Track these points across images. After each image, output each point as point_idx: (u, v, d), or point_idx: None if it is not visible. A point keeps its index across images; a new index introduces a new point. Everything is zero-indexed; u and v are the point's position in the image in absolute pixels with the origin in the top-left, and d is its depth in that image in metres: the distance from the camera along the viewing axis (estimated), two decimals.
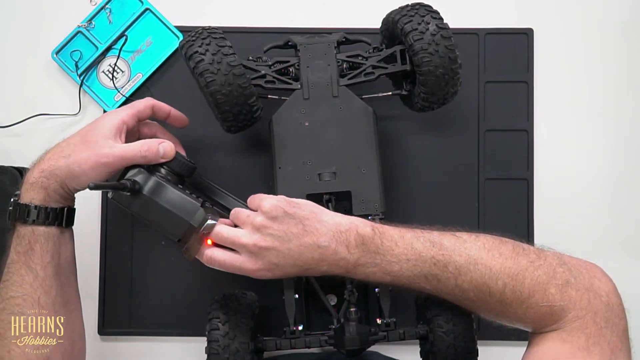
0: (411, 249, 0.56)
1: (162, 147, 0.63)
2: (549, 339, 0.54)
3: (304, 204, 0.58)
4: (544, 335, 0.55)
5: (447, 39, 0.64)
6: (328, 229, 0.57)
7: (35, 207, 0.62)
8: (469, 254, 0.56)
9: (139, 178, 0.62)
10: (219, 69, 0.62)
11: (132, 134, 0.68)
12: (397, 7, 0.68)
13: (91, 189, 0.55)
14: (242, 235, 0.58)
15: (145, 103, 0.68)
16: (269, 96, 0.69)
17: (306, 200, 0.60)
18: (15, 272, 0.61)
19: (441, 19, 0.65)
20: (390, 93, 0.71)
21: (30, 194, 0.62)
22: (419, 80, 0.65)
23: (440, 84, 0.65)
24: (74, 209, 0.66)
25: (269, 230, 0.57)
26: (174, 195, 0.62)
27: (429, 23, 0.64)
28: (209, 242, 0.61)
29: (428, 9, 0.66)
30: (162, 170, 0.64)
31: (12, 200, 0.63)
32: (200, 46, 0.63)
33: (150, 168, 0.63)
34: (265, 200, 0.58)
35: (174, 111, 0.71)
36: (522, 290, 0.54)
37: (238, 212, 0.60)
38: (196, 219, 0.61)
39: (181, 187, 0.64)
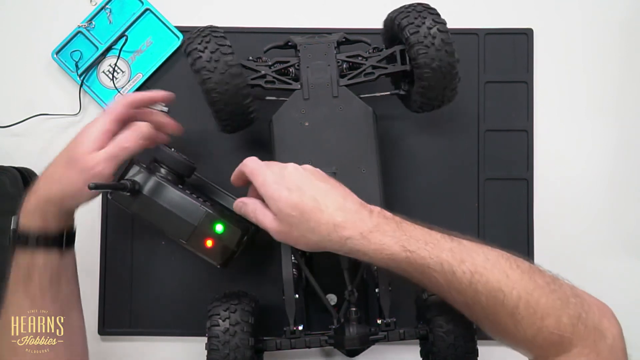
0: (430, 236, 0.55)
1: (140, 130, 0.63)
2: None
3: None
4: None
5: (444, 33, 0.64)
6: (353, 196, 0.58)
7: (34, 233, 0.61)
8: (487, 257, 0.54)
9: (138, 178, 0.62)
10: (216, 67, 0.62)
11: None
12: (398, 7, 0.68)
13: (91, 188, 0.55)
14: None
15: (121, 103, 0.65)
16: (267, 97, 0.69)
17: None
18: (12, 298, 0.61)
19: (438, 14, 0.65)
20: (388, 93, 0.71)
21: (28, 221, 0.61)
22: (416, 75, 0.65)
23: (438, 78, 0.65)
24: (74, 231, 0.66)
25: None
26: (174, 195, 0.62)
27: (425, 17, 0.64)
28: (209, 243, 0.61)
29: (425, 6, 0.66)
30: (162, 170, 0.64)
31: (11, 227, 0.63)
32: (200, 43, 0.63)
33: (151, 168, 0.63)
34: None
35: (164, 117, 0.70)
36: (536, 310, 0.52)
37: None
38: (196, 219, 0.61)
39: (181, 187, 0.64)
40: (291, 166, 0.58)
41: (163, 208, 0.61)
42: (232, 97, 0.63)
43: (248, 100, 0.65)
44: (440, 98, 0.67)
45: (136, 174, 0.62)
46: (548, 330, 0.52)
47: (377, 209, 0.57)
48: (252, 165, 0.60)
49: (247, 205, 0.60)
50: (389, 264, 0.55)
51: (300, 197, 0.55)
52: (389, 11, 0.69)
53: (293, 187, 0.56)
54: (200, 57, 0.63)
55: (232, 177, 0.63)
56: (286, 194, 0.56)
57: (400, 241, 0.54)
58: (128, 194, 0.61)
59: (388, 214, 0.57)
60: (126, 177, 0.62)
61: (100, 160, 0.60)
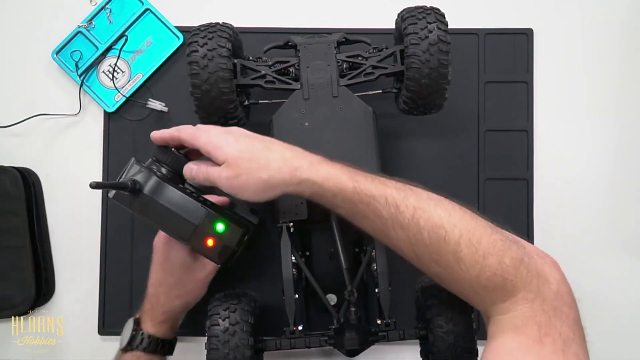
0: (376, 177, 0.57)
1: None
2: (504, 332, 0.52)
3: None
4: (499, 329, 0.53)
5: (443, 53, 0.63)
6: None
7: (149, 336, 0.67)
8: (430, 197, 0.56)
9: (139, 177, 0.62)
10: (207, 66, 0.62)
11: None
12: (413, 6, 0.67)
13: (92, 187, 0.55)
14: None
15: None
16: (260, 101, 0.70)
17: None
18: None
19: (446, 31, 0.64)
20: (380, 91, 0.71)
21: (150, 327, 0.67)
22: (404, 84, 0.65)
23: (423, 93, 0.64)
24: (176, 340, 0.71)
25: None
26: (174, 194, 0.62)
27: (431, 32, 0.63)
28: (210, 242, 0.61)
29: (438, 16, 0.64)
30: (163, 170, 0.64)
31: (132, 328, 0.68)
32: (202, 38, 0.63)
33: (151, 168, 0.63)
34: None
35: None
36: (478, 248, 0.52)
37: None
38: (197, 218, 0.61)
39: (182, 186, 0.64)
40: (233, 127, 0.60)
41: (164, 207, 0.61)
42: (214, 98, 0.63)
43: (230, 106, 0.65)
44: (422, 109, 0.67)
45: (137, 173, 0.62)
46: (491, 271, 0.52)
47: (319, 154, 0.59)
48: (191, 129, 0.60)
49: (197, 166, 0.60)
50: (336, 195, 0.56)
51: (249, 142, 0.58)
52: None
53: (240, 135, 0.58)
54: (197, 51, 0.63)
55: (156, 134, 0.62)
56: (233, 140, 0.58)
57: (347, 173, 0.56)
58: (128, 193, 0.61)
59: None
60: (127, 176, 0.62)
61: (206, 274, 0.68)
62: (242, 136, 0.58)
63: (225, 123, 0.66)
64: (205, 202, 0.63)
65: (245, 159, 0.56)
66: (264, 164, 0.56)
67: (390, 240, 0.56)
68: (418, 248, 0.55)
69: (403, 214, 0.54)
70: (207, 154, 0.58)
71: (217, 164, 0.58)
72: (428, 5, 0.66)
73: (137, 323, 0.68)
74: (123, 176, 0.63)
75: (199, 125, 0.61)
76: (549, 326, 0.51)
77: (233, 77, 0.64)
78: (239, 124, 0.68)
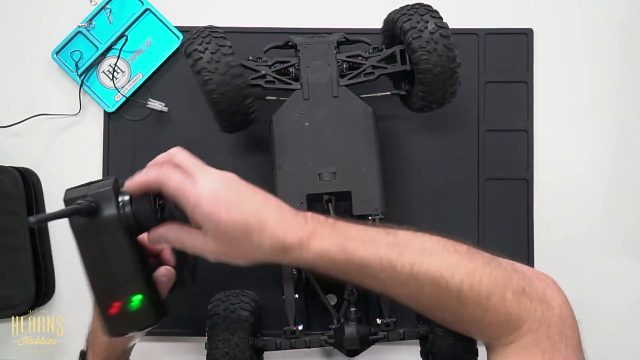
0: (365, 233, 0.53)
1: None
2: (506, 357, 0.52)
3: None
4: (501, 354, 0.53)
5: (446, 38, 0.64)
6: (284, 204, 0.53)
7: None
8: (424, 246, 0.53)
9: (103, 203, 0.51)
10: (217, 68, 0.62)
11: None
12: (397, 7, 0.68)
13: (31, 224, 0.49)
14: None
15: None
16: (267, 97, 0.69)
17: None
18: None
19: (440, 18, 0.65)
20: (389, 93, 0.71)
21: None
22: (417, 79, 0.65)
23: (439, 83, 0.65)
24: None
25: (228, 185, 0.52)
26: (122, 242, 0.52)
27: (427, 22, 0.64)
28: (114, 309, 0.53)
29: (427, 8, 0.66)
30: (127, 209, 0.52)
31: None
32: (200, 44, 0.63)
33: (119, 201, 0.52)
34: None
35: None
36: (480, 290, 0.51)
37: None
38: (123, 280, 0.52)
39: (134, 239, 0.54)
40: (216, 176, 0.52)
41: (101, 248, 0.52)
42: (233, 97, 0.63)
43: (249, 101, 0.65)
44: (439, 100, 0.68)
45: (103, 198, 0.52)
46: (495, 309, 0.52)
47: (309, 213, 0.54)
48: (178, 181, 0.51)
49: (167, 233, 0.53)
50: (328, 268, 0.53)
51: (242, 214, 0.50)
52: (389, 11, 0.68)
53: (232, 203, 0.50)
54: (201, 58, 0.62)
55: (133, 185, 0.52)
56: (225, 214, 0.50)
57: (337, 243, 0.52)
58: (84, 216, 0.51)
59: (321, 217, 0.54)
60: (93, 192, 0.52)
61: None
62: (234, 204, 0.51)
63: (248, 120, 0.67)
64: (145, 269, 0.54)
65: (237, 237, 0.51)
66: (257, 242, 0.51)
67: (391, 295, 0.55)
68: (421, 300, 0.54)
69: (400, 273, 0.52)
70: (193, 217, 0.51)
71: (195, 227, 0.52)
72: (417, 4, 0.67)
73: (83, 357, 0.64)
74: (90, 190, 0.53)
75: (182, 179, 0.51)
76: (554, 351, 0.51)
77: (242, 72, 0.64)
78: (255, 120, 0.67)
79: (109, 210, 0.51)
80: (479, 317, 0.52)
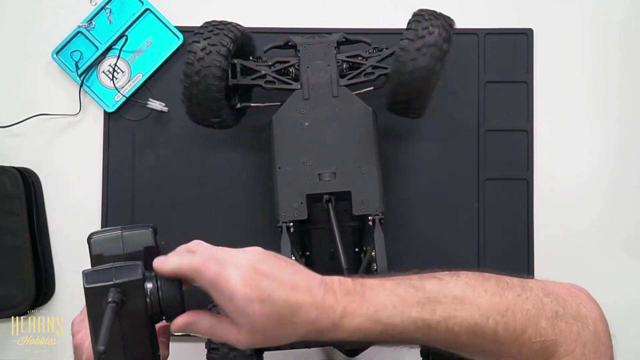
0: (395, 296, 0.52)
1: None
2: None
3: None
4: None
5: (436, 60, 0.61)
6: (313, 276, 0.52)
7: None
8: (454, 295, 0.52)
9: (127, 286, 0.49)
10: (202, 58, 0.63)
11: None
12: (428, 8, 0.66)
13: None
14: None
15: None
16: (254, 104, 0.70)
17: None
18: None
19: (447, 40, 0.62)
20: (372, 88, 0.69)
21: None
22: (387, 78, 0.65)
23: (399, 91, 0.64)
24: None
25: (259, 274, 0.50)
26: (141, 326, 0.50)
27: (432, 33, 0.62)
28: None
29: (445, 23, 0.63)
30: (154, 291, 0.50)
31: None
32: (209, 32, 0.64)
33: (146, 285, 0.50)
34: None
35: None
36: (514, 327, 0.51)
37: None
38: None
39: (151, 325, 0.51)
40: (243, 262, 0.50)
41: (117, 329, 0.49)
42: (200, 92, 0.64)
43: (215, 105, 0.65)
44: (405, 105, 0.66)
45: (125, 276, 0.49)
46: (530, 341, 0.51)
47: (336, 283, 0.52)
48: (215, 271, 0.48)
49: (198, 323, 0.51)
50: (365, 340, 0.53)
51: (273, 306, 0.49)
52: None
53: (264, 294, 0.49)
54: (198, 42, 0.64)
55: (166, 269, 0.50)
56: (258, 307, 0.48)
57: (370, 317, 0.51)
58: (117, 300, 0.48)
59: (349, 284, 0.52)
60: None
61: None
62: (267, 296, 0.49)
63: (208, 120, 0.67)
64: (157, 356, 0.53)
65: (271, 327, 0.50)
66: (291, 330, 0.50)
67: (429, 347, 0.56)
68: (458, 348, 0.54)
69: (437, 330, 0.51)
70: (226, 310, 0.50)
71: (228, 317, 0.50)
72: (439, 13, 0.65)
73: None
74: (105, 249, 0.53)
75: (218, 268, 0.49)
76: None
77: (225, 77, 0.64)
78: (222, 124, 0.68)
79: (137, 302, 0.49)
80: (516, 353, 0.52)
